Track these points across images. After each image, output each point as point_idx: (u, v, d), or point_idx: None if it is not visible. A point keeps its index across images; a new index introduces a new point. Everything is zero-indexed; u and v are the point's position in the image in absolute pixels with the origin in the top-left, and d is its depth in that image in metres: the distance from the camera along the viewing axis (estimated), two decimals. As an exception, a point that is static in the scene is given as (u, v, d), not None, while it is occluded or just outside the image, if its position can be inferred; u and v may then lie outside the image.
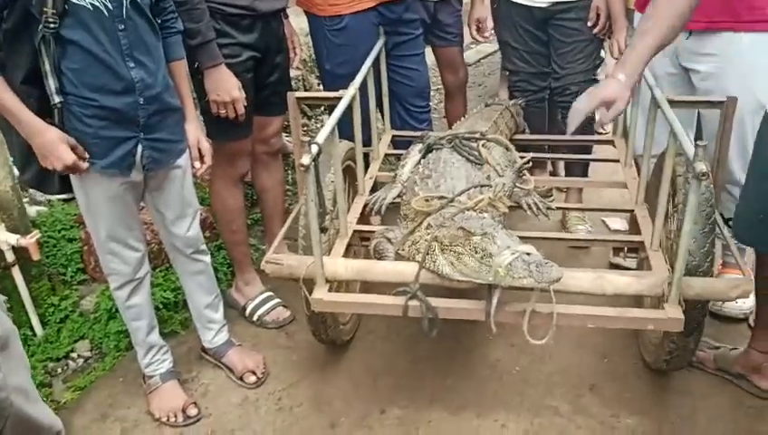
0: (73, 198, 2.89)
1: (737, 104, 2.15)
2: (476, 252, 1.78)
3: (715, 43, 2.28)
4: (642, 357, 2.44)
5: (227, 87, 2.26)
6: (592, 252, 2.98)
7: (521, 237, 1.84)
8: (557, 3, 2.91)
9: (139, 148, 1.96)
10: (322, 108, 4.26)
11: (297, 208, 2.45)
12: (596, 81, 3.21)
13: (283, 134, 3.52)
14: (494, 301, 1.80)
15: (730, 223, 2.34)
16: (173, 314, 2.70)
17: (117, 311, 2.57)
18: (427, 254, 1.90)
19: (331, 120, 1.96)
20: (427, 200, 2.08)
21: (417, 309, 1.89)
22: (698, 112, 2.51)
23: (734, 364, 2.32)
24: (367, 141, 2.62)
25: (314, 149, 1.80)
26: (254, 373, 2.45)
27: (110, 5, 1.79)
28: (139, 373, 2.43)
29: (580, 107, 1.93)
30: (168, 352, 2.39)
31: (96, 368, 2.56)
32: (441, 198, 2.07)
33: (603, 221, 3.24)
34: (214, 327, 2.48)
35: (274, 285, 2.84)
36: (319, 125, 4.23)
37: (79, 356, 2.63)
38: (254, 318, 2.75)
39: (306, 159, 1.75)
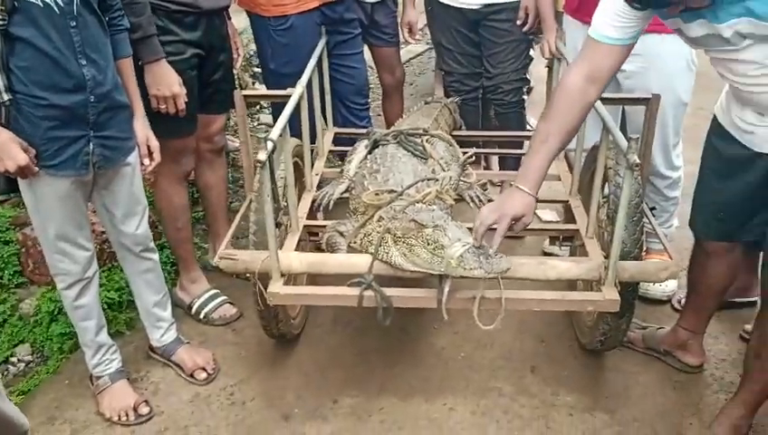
0: (6, 200, 2.85)
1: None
2: (428, 243, 1.86)
3: (639, 44, 2.44)
4: (578, 340, 2.60)
5: (168, 82, 2.26)
6: (526, 242, 3.13)
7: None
8: (489, 5, 3.04)
9: (90, 146, 1.95)
10: (258, 107, 4.27)
11: (245, 205, 2.48)
12: (526, 79, 3.37)
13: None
14: (446, 289, 1.89)
15: (653, 211, 2.52)
16: (117, 314, 2.67)
17: (59, 313, 2.55)
18: (380, 245, 1.97)
19: (282, 117, 2.00)
20: (377, 194, 2.15)
21: (371, 299, 1.96)
22: (623, 109, 2.69)
23: (662, 342, 2.50)
24: (311, 139, 2.67)
25: (270, 145, 1.84)
26: (204, 370, 2.46)
27: (60, 2, 1.77)
28: (85, 375, 2.41)
29: (487, 223, 1.84)
30: (117, 352, 2.37)
31: (39, 371, 2.51)
32: (391, 191, 2.14)
33: (535, 213, 3.39)
34: (162, 325, 2.48)
35: (219, 283, 2.86)
36: (255, 124, 4.23)
37: (19, 360, 2.57)
38: (201, 316, 2.75)
39: (263, 155, 1.79)
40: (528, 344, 2.62)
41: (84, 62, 1.85)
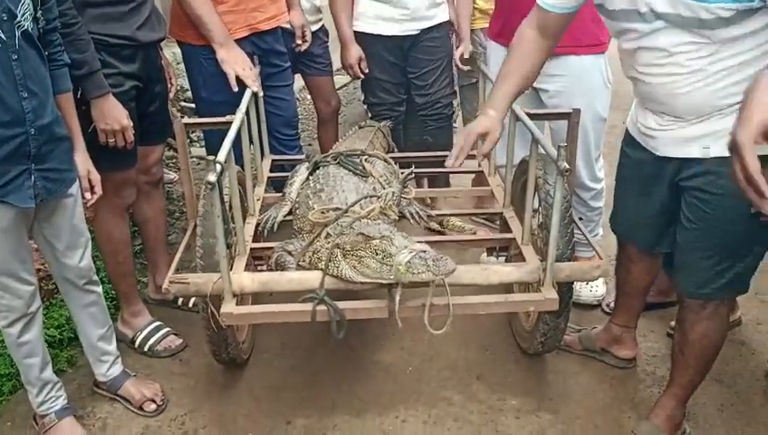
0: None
1: (581, 116, 2.50)
2: (377, 254, 1.94)
3: (561, 65, 2.63)
4: (519, 346, 2.71)
5: (116, 115, 2.27)
6: (464, 257, 3.24)
7: None
8: (425, 29, 3.22)
9: (32, 179, 1.92)
10: (189, 140, 4.26)
11: (189, 230, 2.49)
12: (455, 91, 3.55)
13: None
14: (397, 298, 1.96)
15: (581, 221, 2.69)
16: (59, 351, 2.61)
17: (-2, 353, 2.47)
18: (330, 260, 2.03)
19: (227, 140, 2.04)
20: (323, 212, 2.21)
21: (324, 313, 2.01)
22: (548, 125, 2.87)
23: (597, 341, 2.65)
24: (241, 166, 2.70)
25: (218, 167, 1.88)
26: (153, 401, 2.43)
27: (2, 36, 1.77)
28: (27, 416, 2.34)
29: (462, 144, 2.11)
30: (62, 389, 2.31)
31: (-22, 416, 2.42)
32: (336, 209, 2.21)
33: (472, 231, 3.52)
34: (108, 359, 2.43)
35: (159, 316, 2.84)
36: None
37: (-45, 406, 2.47)
38: (146, 348, 2.72)
39: (212, 177, 1.83)
40: (472, 354, 2.72)
41: (25, 95, 1.84)
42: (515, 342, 2.74)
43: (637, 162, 2.17)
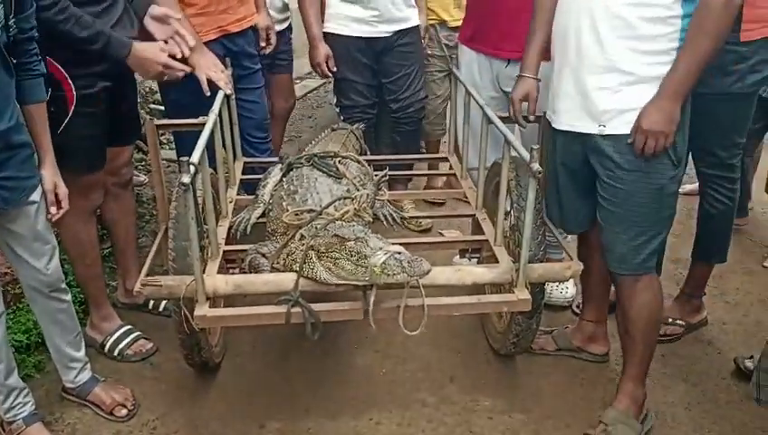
0: None
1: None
2: (352, 255, 1.94)
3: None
4: (491, 347, 2.74)
5: (151, 58, 2.35)
6: (435, 257, 3.25)
7: None
8: (398, 31, 3.25)
9: None
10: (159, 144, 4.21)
11: (161, 233, 2.46)
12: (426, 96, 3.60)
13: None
14: (371, 300, 1.96)
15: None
16: (26, 357, 2.56)
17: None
18: (305, 262, 2.02)
19: (201, 141, 2.02)
20: (297, 214, 2.21)
21: (299, 315, 2.00)
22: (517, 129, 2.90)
23: (572, 339, 2.70)
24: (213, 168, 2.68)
25: (192, 168, 1.86)
26: (124, 406, 2.40)
27: None
28: (-6, 422, 2.29)
29: (514, 111, 2.43)
30: (29, 395, 2.26)
31: (-59, 425, 2.36)
32: (310, 211, 2.20)
33: (440, 233, 3.55)
34: (76, 366, 2.38)
35: (128, 320, 2.80)
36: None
37: None
38: (116, 353, 2.68)
39: (186, 178, 1.81)
40: (446, 356, 2.73)
41: None
42: (488, 343, 2.77)
43: (549, 144, 2.37)
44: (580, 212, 2.38)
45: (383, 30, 3.30)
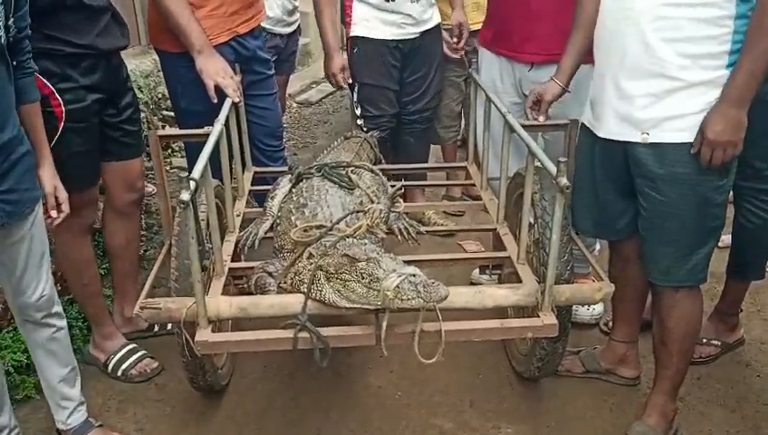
0: None
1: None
2: (363, 277, 1.79)
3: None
4: (513, 369, 2.58)
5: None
6: (453, 273, 3.11)
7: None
8: (424, 31, 3.19)
9: None
10: (170, 150, 4.13)
11: (164, 251, 2.35)
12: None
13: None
14: (384, 325, 1.82)
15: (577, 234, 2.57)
16: (26, 377, 2.45)
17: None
18: (313, 283, 1.89)
19: (203, 155, 1.90)
20: (305, 230, 2.08)
21: (306, 340, 1.87)
22: (541, 136, 2.75)
23: (601, 361, 2.54)
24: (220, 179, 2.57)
25: (192, 184, 1.74)
26: None
27: None
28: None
29: (530, 103, 2.40)
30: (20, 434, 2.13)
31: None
32: (320, 226, 2.07)
33: (460, 245, 3.40)
34: (69, 405, 2.19)
35: (132, 339, 2.69)
36: (168, 168, 4.07)
37: None
38: (119, 373, 2.57)
39: (185, 195, 1.68)
40: (465, 378, 2.58)
41: None
42: (509, 365, 2.61)
43: (586, 149, 2.26)
44: (620, 219, 2.24)
45: (411, 32, 3.22)
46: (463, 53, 3.45)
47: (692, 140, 1.94)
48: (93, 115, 2.29)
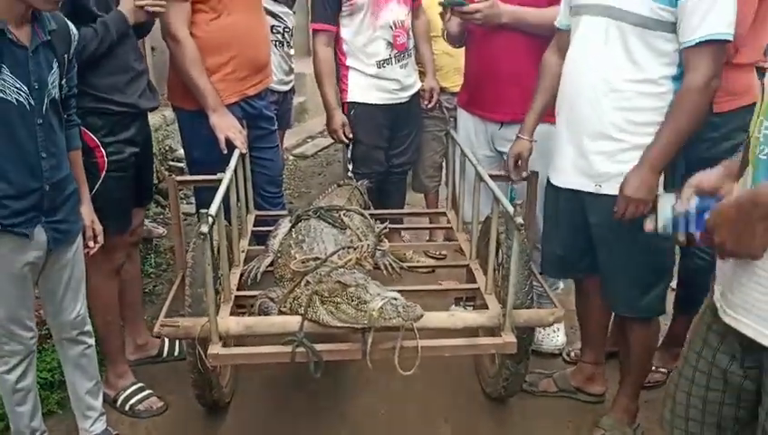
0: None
1: (539, 177, 2.76)
2: (352, 300, 2.12)
3: None
4: (483, 390, 2.90)
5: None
6: (433, 305, 3.42)
7: None
8: (412, 95, 3.60)
9: (43, 230, 2.10)
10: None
11: (178, 280, 2.67)
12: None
13: (146, 219, 3.71)
14: (369, 341, 2.14)
15: (542, 275, 2.92)
16: (49, 393, 2.74)
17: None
18: (309, 306, 2.21)
19: (218, 195, 2.25)
20: (303, 262, 2.42)
21: (303, 354, 2.19)
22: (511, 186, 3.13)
23: (571, 381, 2.89)
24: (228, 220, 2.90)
25: (210, 219, 2.09)
26: None
27: (32, 102, 1.99)
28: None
29: (510, 166, 2.75)
30: None
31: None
32: (316, 259, 2.41)
33: (440, 283, 3.73)
34: (92, 415, 2.51)
35: (140, 378, 2.90)
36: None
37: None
38: (126, 407, 2.78)
39: (204, 228, 2.03)
40: (442, 398, 2.90)
41: (44, 155, 2.05)
42: (480, 388, 2.93)
43: (550, 199, 2.62)
44: (582, 261, 2.59)
45: (401, 96, 3.57)
46: (440, 108, 3.85)
47: None
48: (130, 166, 2.63)
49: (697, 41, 2.10)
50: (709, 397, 1.57)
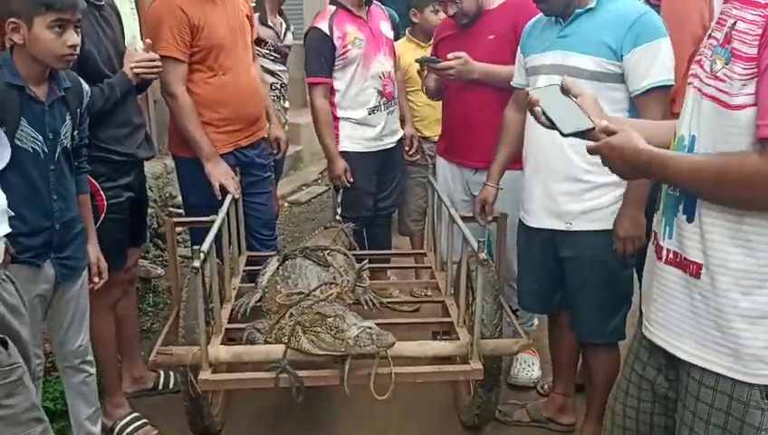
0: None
1: (510, 219, 3.00)
2: (331, 329, 2.33)
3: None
4: (459, 419, 3.07)
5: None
6: (412, 338, 3.60)
7: None
8: (398, 140, 3.85)
9: (52, 266, 2.33)
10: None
11: (173, 314, 2.88)
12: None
13: (145, 261, 3.93)
14: (346, 368, 2.34)
15: (517, 313, 3.13)
16: (51, 423, 2.89)
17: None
18: (292, 335, 2.42)
19: (210, 234, 2.49)
20: (288, 296, 2.63)
21: (286, 380, 2.38)
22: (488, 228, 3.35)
23: (543, 411, 3.07)
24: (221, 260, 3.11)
25: (202, 255, 2.31)
26: None
27: (46, 150, 2.24)
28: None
29: (476, 211, 3.01)
30: None
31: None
32: (299, 293, 2.63)
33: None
34: None
35: (139, 411, 3.06)
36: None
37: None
38: None
39: (197, 263, 2.25)
40: (420, 427, 3.07)
41: (55, 197, 2.29)
42: (456, 417, 3.10)
43: (523, 239, 2.85)
44: (554, 296, 2.81)
45: (388, 142, 3.82)
46: (423, 156, 4.11)
47: (604, 228, 2.51)
48: (126, 209, 2.86)
49: (646, 88, 2.40)
50: (641, 407, 1.76)
